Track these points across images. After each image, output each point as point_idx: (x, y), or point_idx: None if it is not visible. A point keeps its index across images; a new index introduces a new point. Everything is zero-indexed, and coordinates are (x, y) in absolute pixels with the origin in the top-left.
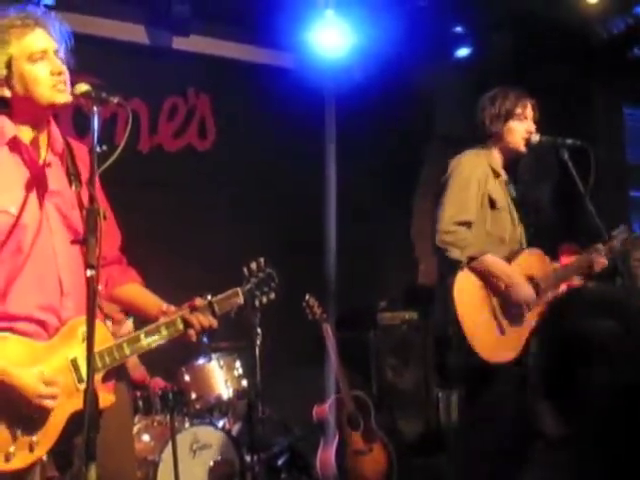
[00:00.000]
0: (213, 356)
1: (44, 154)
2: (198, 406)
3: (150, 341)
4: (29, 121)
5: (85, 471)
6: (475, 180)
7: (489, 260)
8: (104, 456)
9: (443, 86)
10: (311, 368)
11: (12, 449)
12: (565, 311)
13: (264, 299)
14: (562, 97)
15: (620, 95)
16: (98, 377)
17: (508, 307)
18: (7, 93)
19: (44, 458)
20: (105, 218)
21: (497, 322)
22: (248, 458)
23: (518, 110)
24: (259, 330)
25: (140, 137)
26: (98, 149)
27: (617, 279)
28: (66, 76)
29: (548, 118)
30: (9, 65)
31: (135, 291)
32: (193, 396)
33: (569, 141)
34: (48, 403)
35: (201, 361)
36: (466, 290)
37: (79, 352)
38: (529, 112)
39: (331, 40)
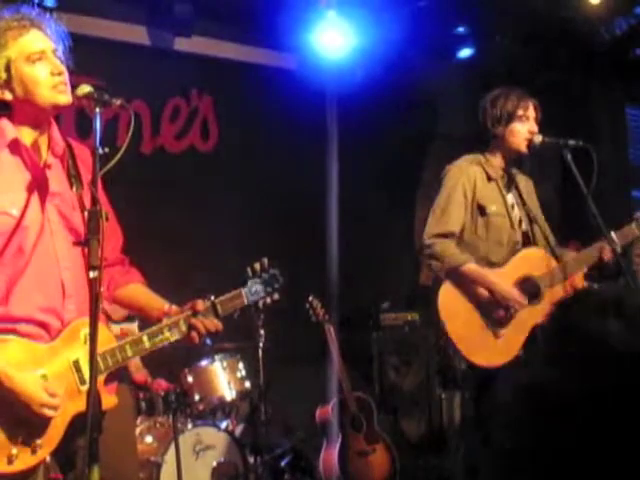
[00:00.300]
0: (216, 357)
1: (45, 156)
2: (201, 407)
3: (153, 343)
4: (30, 123)
5: (88, 473)
6: (460, 189)
7: (468, 269)
8: (107, 458)
9: (445, 87)
10: (314, 369)
11: (15, 451)
12: (574, 312)
13: (267, 300)
14: (564, 98)
15: (623, 96)
16: (100, 379)
17: (494, 312)
18: (8, 96)
19: (47, 460)
20: (107, 219)
21: (489, 328)
22: (251, 459)
23: (520, 112)
24: (262, 331)
25: (142, 138)
26: (100, 151)
27: (621, 279)
28: (66, 76)
29: (550, 119)
30: (8, 68)
31: (137, 292)
32: (196, 397)
33: (572, 142)
34: (49, 413)
35: (204, 362)
36: (450, 301)
37: (81, 354)
38: (531, 113)
39: (333, 41)
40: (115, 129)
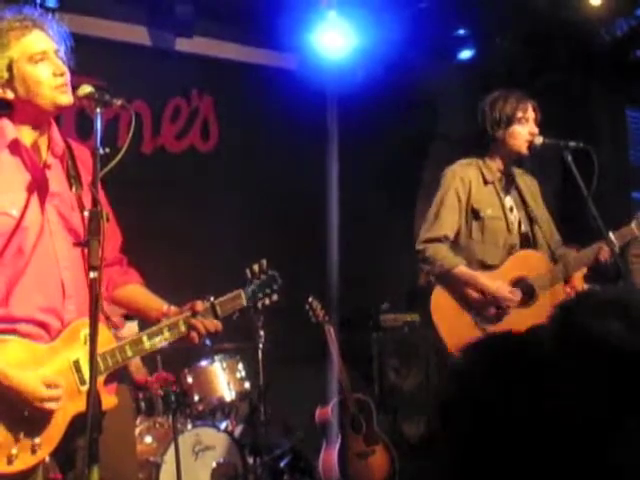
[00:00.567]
0: (216, 358)
1: (44, 156)
2: (201, 408)
3: (152, 343)
4: (30, 123)
5: (87, 473)
6: (453, 193)
7: (459, 272)
8: (106, 458)
9: (445, 87)
10: (313, 370)
11: (14, 451)
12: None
13: (266, 301)
14: (565, 99)
15: (623, 97)
16: (100, 379)
17: (486, 312)
18: (10, 95)
19: (46, 460)
20: (108, 220)
21: (480, 329)
22: (250, 460)
23: (519, 114)
24: (262, 332)
25: (143, 138)
26: (101, 151)
27: (621, 281)
28: (68, 77)
29: (551, 120)
30: (10, 68)
31: (136, 292)
32: (196, 398)
33: (572, 143)
34: (50, 406)
35: (204, 363)
36: (442, 306)
37: (81, 354)
38: (530, 114)
39: (334, 41)
40: (116, 129)
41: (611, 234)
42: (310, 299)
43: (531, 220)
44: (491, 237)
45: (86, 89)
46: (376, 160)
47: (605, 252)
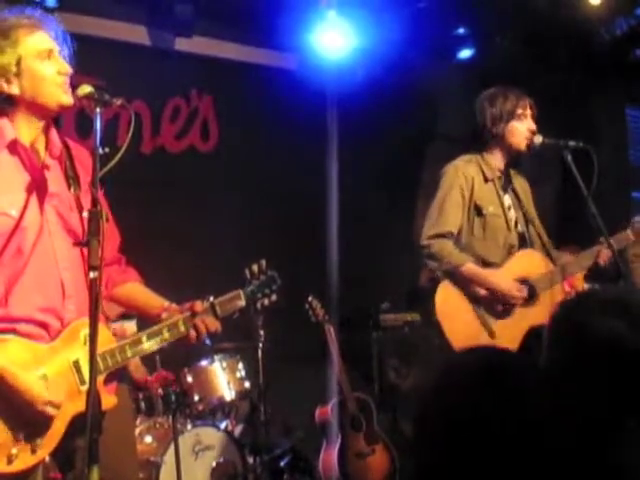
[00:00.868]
0: (216, 358)
1: (43, 157)
2: (200, 407)
3: (152, 343)
4: (31, 123)
5: (87, 473)
6: (457, 189)
7: (467, 269)
8: (106, 458)
9: (446, 87)
10: (313, 370)
11: (14, 451)
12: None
13: (266, 301)
14: (565, 98)
15: (623, 97)
16: (100, 379)
17: (493, 309)
18: (15, 90)
19: (46, 460)
20: (107, 220)
21: (485, 327)
22: (250, 460)
23: (519, 110)
24: (262, 331)
25: (142, 138)
26: (101, 151)
27: (621, 281)
28: (68, 78)
29: (551, 119)
30: (19, 64)
31: (135, 290)
32: (195, 397)
33: (572, 143)
34: (51, 411)
35: (204, 362)
36: (447, 301)
37: (81, 354)
38: (528, 111)
39: (333, 41)
40: (115, 129)
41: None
42: (310, 299)
43: (527, 220)
44: (492, 235)
45: (86, 89)
46: (376, 160)
47: (604, 255)
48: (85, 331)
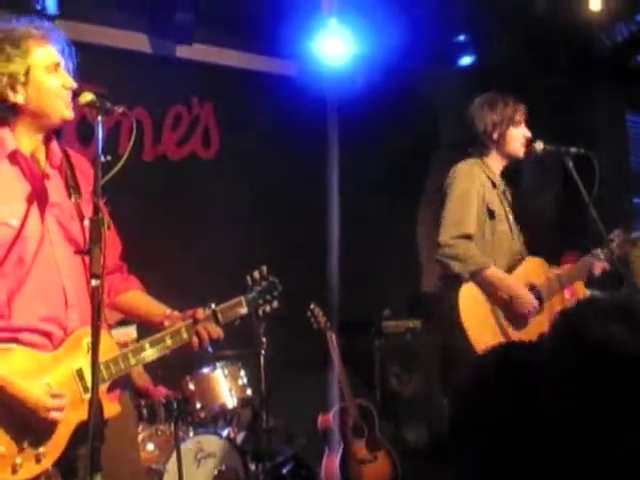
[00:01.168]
0: (218, 365)
1: (43, 166)
2: (202, 415)
3: (155, 351)
4: (31, 133)
5: None
6: (474, 192)
7: (491, 273)
8: (109, 466)
9: (446, 94)
10: (315, 377)
11: (19, 460)
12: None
13: (267, 308)
14: (565, 104)
15: (623, 102)
16: (103, 387)
17: (512, 316)
18: (20, 99)
19: (49, 468)
20: (108, 228)
21: (503, 332)
22: (253, 467)
23: (517, 117)
24: (263, 339)
25: (144, 146)
26: (102, 159)
27: (623, 287)
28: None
29: (551, 125)
30: (27, 73)
31: (137, 298)
32: (197, 405)
33: (573, 149)
34: (54, 416)
35: (206, 370)
36: (471, 304)
37: (84, 363)
38: (523, 117)
39: (334, 48)
40: (117, 137)
41: (599, 251)
42: (312, 306)
43: (518, 228)
44: (498, 240)
45: (87, 97)
46: (377, 166)
47: (598, 267)
48: (88, 339)
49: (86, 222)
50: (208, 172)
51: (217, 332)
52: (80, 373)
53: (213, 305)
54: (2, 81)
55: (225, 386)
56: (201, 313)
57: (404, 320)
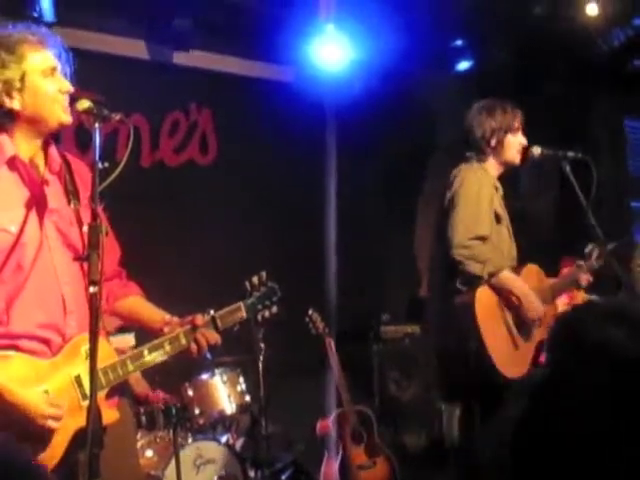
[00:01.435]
0: (216, 371)
1: (42, 172)
2: (201, 421)
3: (153, 357)
4: (30, 139)
5: None
6: (485, 195)
7: (506, 277)
8: (108, 472)
9: (444, 99)
10: (314, 383)
11: None
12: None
13: (266, 313)
14: (563, 109)
15: (621, 107)
16: (102, 394)
17: (521, 323)
18: (16, 105)
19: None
20: (107, 234)
21: (512, 337)
22: (252, 473)
23: (515, 123)
24: (262, 345)
25: (141, 152)
26: (100, 165)
27: (621, 292)
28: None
29: (549, 130)
30: (22, 79)
31: (137, 303)
32: (196, 411)
33: (570, 154)
34: (51, 424)
35: (204, 376)
36: (486, 305)
37: (82, 369)
38: (520, 124)
39: (331, 54)
40: (114, 143)
41: (582, 263)
42: (310, 311)
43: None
44: (500, 244)
45: (85, 104)
46: (374, 171)
47: (583, 279)
48: (86, 346)
49: (85, 228)
50: (206, 178)
51: (215, 338)
52: (78, 380)
53: (212, 311)
54: None
55: (224, 392)
56: (200, 319)
57: (403, 325)
